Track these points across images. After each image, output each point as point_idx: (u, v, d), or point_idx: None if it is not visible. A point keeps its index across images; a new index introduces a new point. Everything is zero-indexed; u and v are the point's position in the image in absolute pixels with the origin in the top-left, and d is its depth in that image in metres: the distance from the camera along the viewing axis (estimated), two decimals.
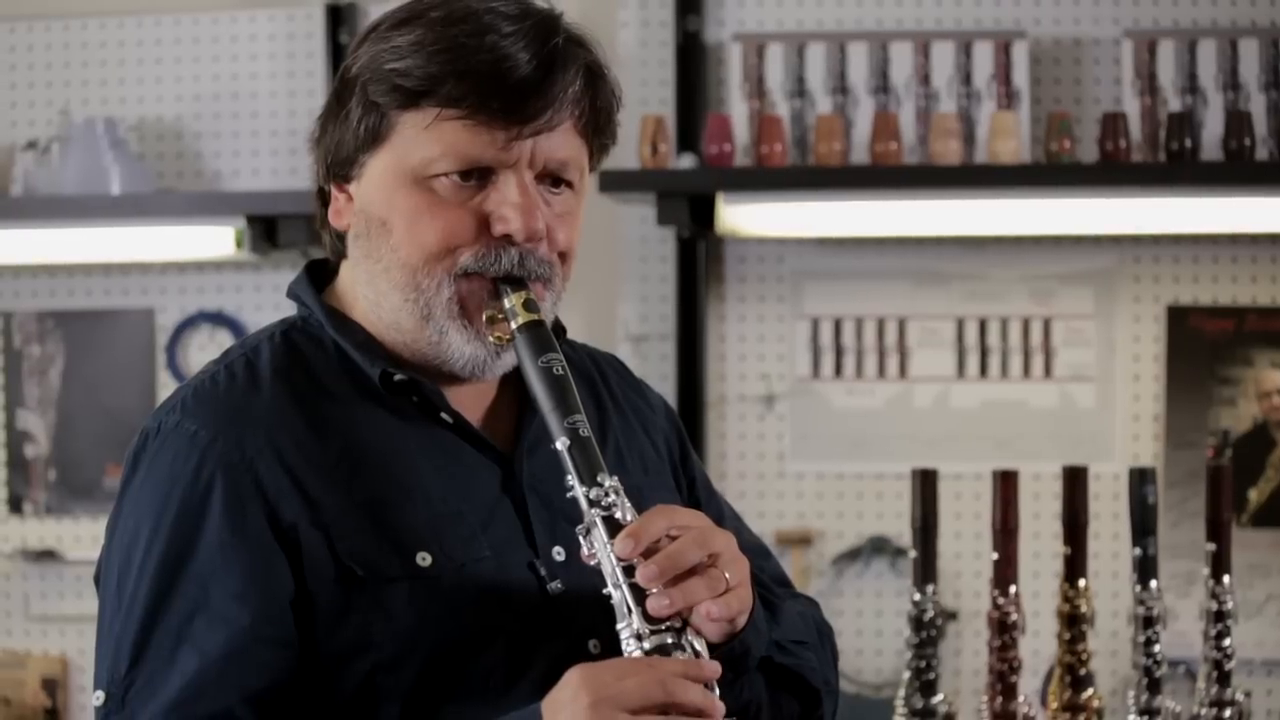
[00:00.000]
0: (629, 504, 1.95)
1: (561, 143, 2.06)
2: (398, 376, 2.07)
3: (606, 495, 1.95)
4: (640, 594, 1.89)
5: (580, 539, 1.95)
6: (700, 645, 1.91)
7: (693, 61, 4.51)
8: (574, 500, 1.97)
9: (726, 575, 1.94)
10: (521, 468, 2.10)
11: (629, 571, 1.90)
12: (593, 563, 1.94)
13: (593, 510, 1.94)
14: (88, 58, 4.69)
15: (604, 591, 1.92)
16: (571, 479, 1.96)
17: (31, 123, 4.69)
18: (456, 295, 2.04)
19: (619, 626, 1.91)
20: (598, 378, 2.26)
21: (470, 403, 2.12)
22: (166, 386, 4.60)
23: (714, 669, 1.89)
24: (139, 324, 4.70)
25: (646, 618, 1.89)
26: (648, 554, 1.90)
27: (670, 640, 1.89)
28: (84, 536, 4.68)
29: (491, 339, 2.05)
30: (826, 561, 4.52)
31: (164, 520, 1.98)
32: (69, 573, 4.69)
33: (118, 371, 4.69)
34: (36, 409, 4.72)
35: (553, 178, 2.07)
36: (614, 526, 1.93)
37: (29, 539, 4.72)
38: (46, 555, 4.70)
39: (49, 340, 4.72)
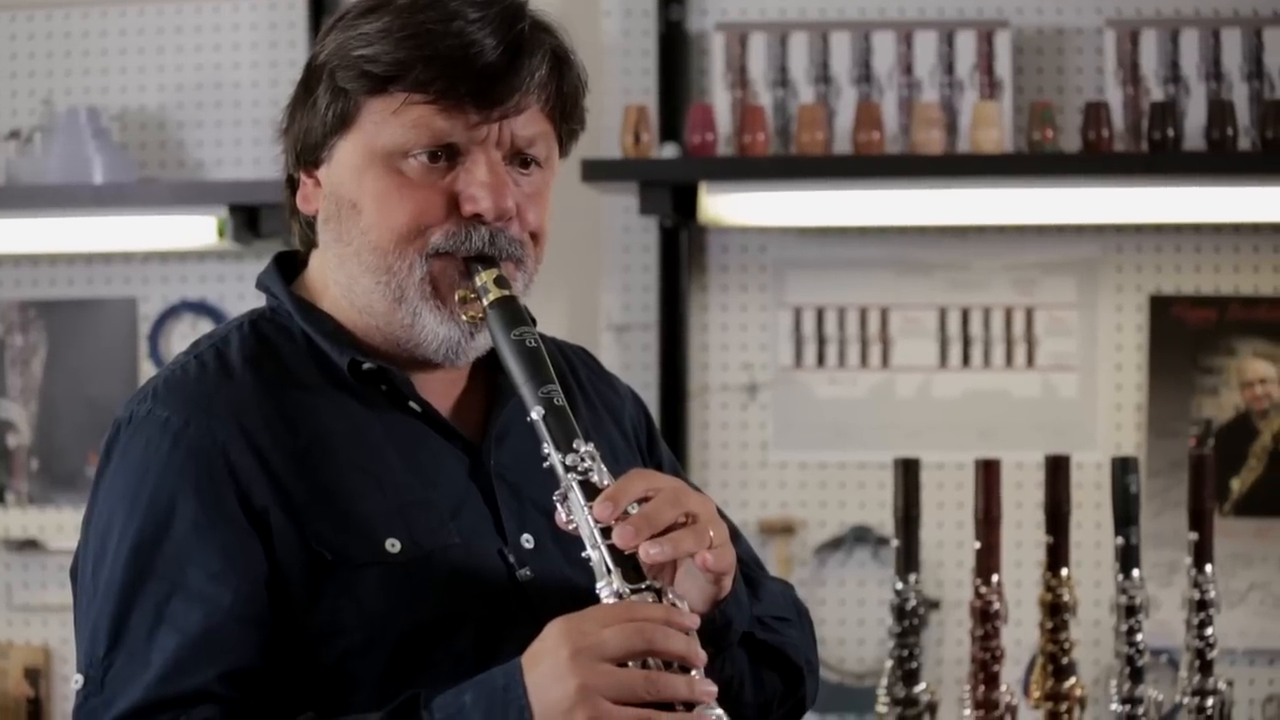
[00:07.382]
0: (605, 469, 1.95)
1: (529, 123, 2.06)
2: (366, 365, 2.07)
3: (583, 460, 1.95)
4: (619, 554, 1.89)
5: (558, 505, 1.94)
6: (681, 605, 1.90)
7: (675, 51, 4.50)
8: (542, 488, 1.98)
9: (710, 534, 1.94)
10: (489, 457, 2.10)
11: (606, 533, 1.90)
12: (570, 528, 1.93)
13: (569, 475, 1.94)
14: (70, 47, 4.68)
15: (583, 554, 1.92)
16: (547, 447, 1.96)
17: (14, 112, 4.68)
18: (428, 275, 2.04)
19: (598, 586, 1.90)
20: (566, 370, 2.26)
21: (440, 392, 2.12)
22: (149, 376, 4.58)
23: (694, 619, 1.88)
24: (121, 313, 4.69)
25: (625, 577, 1.89)
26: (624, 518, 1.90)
27: (650, 600, 1.88)
28: (66, 526, 4.67)
29: (465, 319, 2.05)
30: (809, 551, 4.52)
31: (138, 504, 1.98)
32: (51, 562, 4.68)
33: (100, 361, 4.68)
34: (19, 399, 4.71)
35: (521, 158, 2.07)
36: (591, 490, 1.93)
37: (11, 529, 4.72)
38: (29, 545, 4.69)
39: (31, 330, 4.71)
